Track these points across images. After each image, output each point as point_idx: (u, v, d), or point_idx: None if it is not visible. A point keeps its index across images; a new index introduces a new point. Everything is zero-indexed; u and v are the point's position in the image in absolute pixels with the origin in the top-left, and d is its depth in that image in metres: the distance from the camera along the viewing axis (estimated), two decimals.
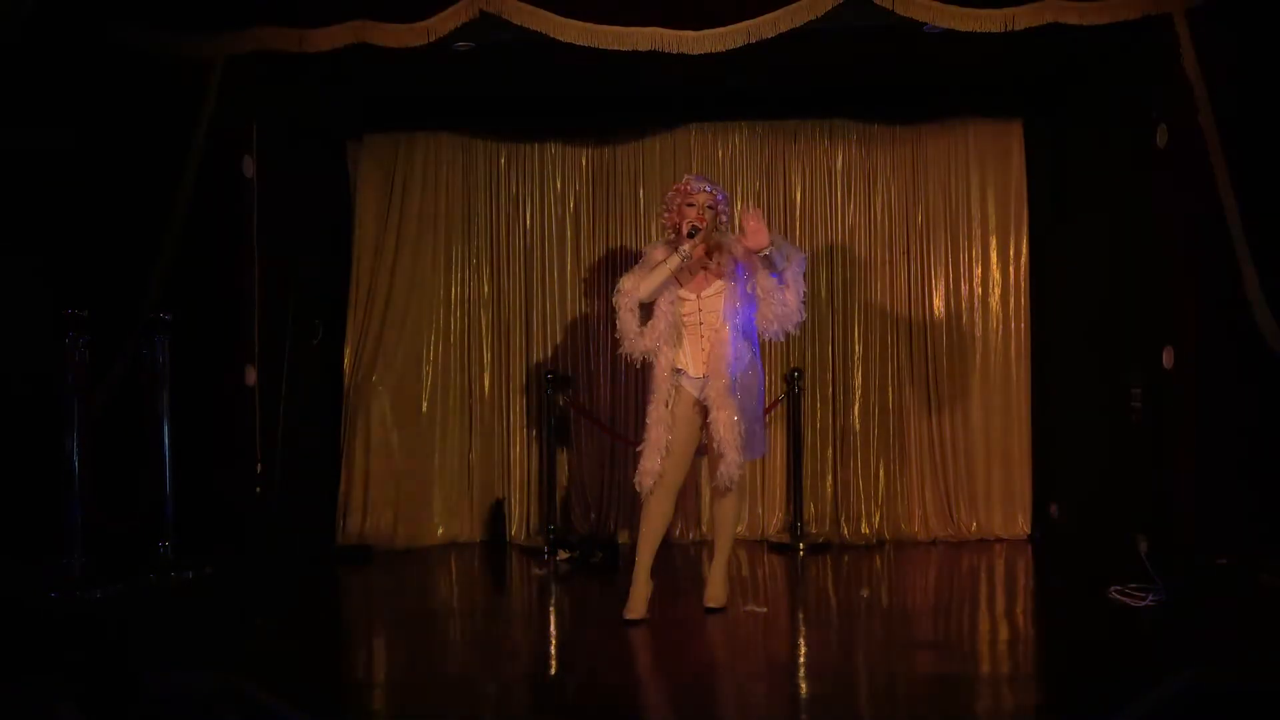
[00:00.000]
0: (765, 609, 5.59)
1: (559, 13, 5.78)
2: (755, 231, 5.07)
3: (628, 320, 5.30)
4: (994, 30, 5.71)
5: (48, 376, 5.59)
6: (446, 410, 7.77)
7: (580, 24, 5.80)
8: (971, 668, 4.61)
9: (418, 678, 4.64)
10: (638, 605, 5.28)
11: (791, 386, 7.44)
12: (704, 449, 5.43)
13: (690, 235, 5.20)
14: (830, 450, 7.67)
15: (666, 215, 5.40)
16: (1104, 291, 6.74)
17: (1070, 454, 7.27)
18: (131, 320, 5.99)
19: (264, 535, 6.42)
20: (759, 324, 5.30)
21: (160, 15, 6.00)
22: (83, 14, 5.88)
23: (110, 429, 5.89)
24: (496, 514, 7.70)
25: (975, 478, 7.60)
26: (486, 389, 7.83)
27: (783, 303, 5.21)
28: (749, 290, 5.29)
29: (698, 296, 5.32)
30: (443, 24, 5.83)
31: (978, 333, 7.65)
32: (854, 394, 7.69)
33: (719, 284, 5.31)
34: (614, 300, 5.35)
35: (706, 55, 5.84)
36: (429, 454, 7.70)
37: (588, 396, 7.73)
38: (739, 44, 5.79)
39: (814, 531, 7.48)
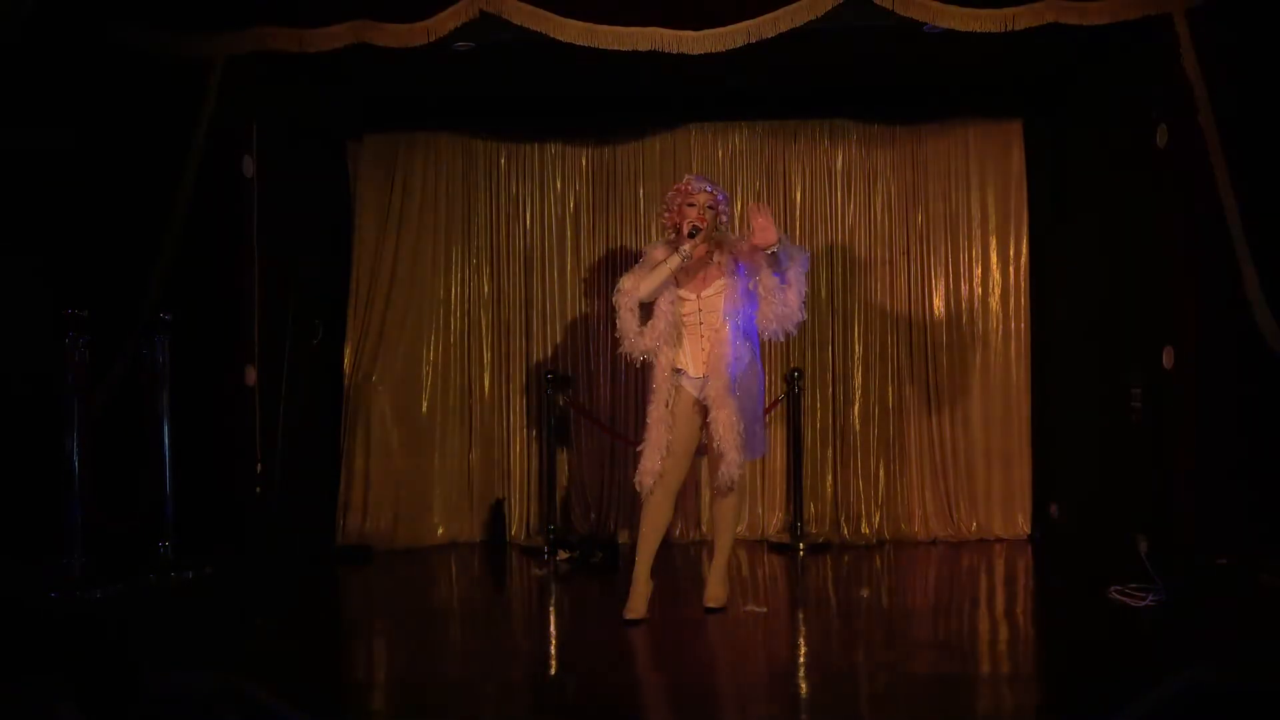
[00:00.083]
0: (765, 609, 5.59)
1: (559, 13, 5.78)
2: (763, 229, 5.07)
3: (628, 320, 5.30)
4: (994, 30, 5.71)
5: (48, 376, 5.59)
6: (446, 410, 7.77)
7: (580, 24, 5.80)
8: (971, 668, 4.61)
9: (418, 678, 4.63)
10: (638, 605, 5.27)
11: (791, 386, 7.43)
12: (704, 449, 5.43)
13: (691, 235, 5.19)
14: (830, 450, 7.66)
15: (666, 215, 5.39)
16: (1104, 291, 6.73)
17: (1070, 454, 7.27)
18: (131, 320, 6.00)
19: (264, 535, 6.42)
20: (759, 324, 5.30)
21: (160, 15, 6.01)
22: (82, 14, 5.87)
23: (110, 429, 5.89)
24: (496, 514, 7.70)
25: (975, 478, 7.60)
26: (486, 389, 7.83)
27: (784, 302, 5.21)
28: (750, 289, 5.29)
29: (698, 296, 5.31)
30: (443, 24, 5.83)
31: (978, 333, 7.65)
32: (854, 394, 7.69)
33: (719, 284, 5.30)
34: (614, 300, 5.34)
35: (706, 55, 5.84)
36: (429, 454, 7.70)
37: (588, 396, 7.73)
38: (739, 44, 5.79)
39: (814, 531, 7.48)
